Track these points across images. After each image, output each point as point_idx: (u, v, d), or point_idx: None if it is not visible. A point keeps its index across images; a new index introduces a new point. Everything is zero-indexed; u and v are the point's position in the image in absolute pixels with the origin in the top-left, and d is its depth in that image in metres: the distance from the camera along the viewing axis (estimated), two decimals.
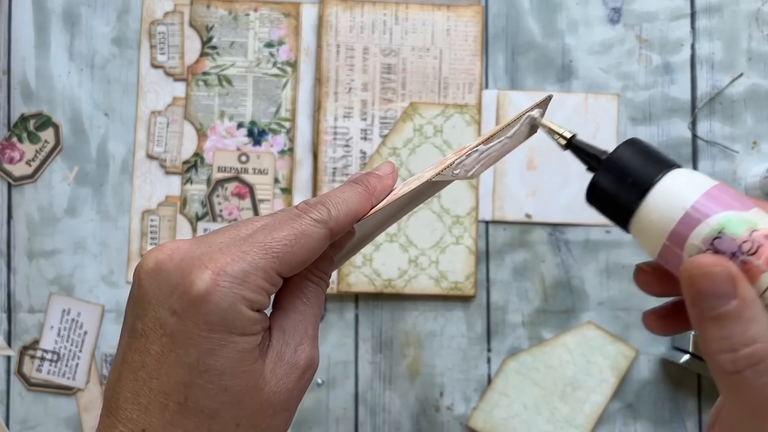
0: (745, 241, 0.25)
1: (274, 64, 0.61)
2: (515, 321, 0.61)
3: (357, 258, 0.59)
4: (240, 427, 0.27)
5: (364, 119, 0.60)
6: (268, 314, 0.30)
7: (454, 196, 0.60)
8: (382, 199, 0.33)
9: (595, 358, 0.60)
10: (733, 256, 0.25)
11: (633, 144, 0.28)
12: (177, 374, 0.26)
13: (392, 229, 0.60)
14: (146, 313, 0.27)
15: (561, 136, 0.30)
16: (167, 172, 0.61)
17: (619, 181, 0.28)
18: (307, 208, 0.29)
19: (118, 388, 0.27)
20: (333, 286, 0.59)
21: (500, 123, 0.34)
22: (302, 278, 0.31)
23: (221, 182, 0.61)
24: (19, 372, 0.60)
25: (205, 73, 0.61)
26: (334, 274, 0.59)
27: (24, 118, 0.61)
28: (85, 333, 0.60)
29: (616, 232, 0.61)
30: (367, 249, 0.59)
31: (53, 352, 0.60)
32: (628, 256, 0.61)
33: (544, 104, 0.32)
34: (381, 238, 0.59)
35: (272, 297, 0.29)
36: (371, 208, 0.32)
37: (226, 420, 0.27)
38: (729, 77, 0.62)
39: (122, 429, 0.27)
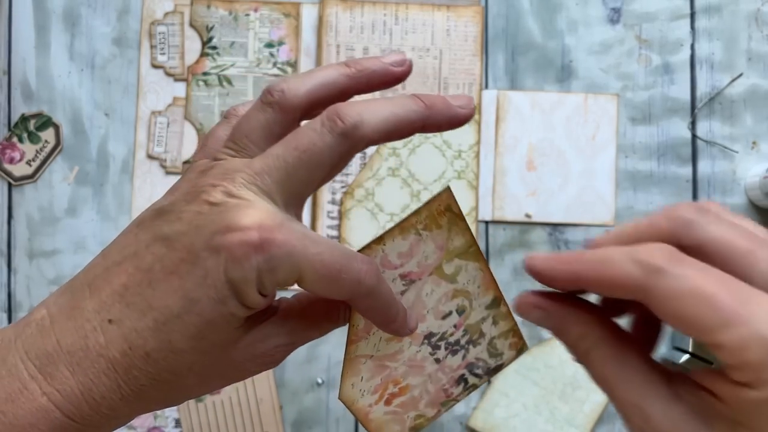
0: None
1: (275, 64, 0.61)
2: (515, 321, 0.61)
3: None
4: (192, 372, 0.27)
5: None
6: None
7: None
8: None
9: None
10: None
11: None
12: (171, 299, 0.26)
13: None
14: (180, 226, 0.26)
15: None
16: (167, 172, 0.61)
17: None
18: None
19: (111, 272, 0.27)
20: None
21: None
22: (335, 318, 0.32)
23: None
24: None
25: (205, 73, 0.61)
26: None
27: (24, 118, 0.61)
28: None
29: None
30: None
31: None
32: None
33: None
34: None
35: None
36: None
37: (185, 360, 0.27)
38: (728, 77, 0.62)
39: (92, 306, 0.27)
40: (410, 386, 0.44)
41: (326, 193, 0.60)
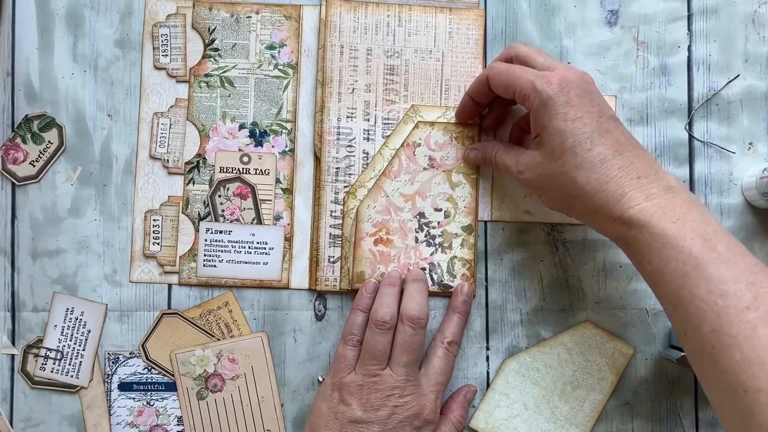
0: None
1: (276, 65, 0.62)
2: (514, 320, 0.61)
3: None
4: None
5: (367, 120, 0.61)
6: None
7: None
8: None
9: (594, 357, 0.61)
10: None
11: None
12: None
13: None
14: None
15: None
16: (170, 173, 0.61)
17: None
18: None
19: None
20: (336, 284, 0.60)
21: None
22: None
23: (223, 183, 0.61)
24: (23, 370, 0.60)
25: (207, 75, 0.61)
26: (337, 272, 0.60)
27: (28, 119, 0.61)
28: (89, 332, 0.60)
29: None
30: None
31: (57, 351, 0.60)
32: (624, 255, 0.62)
33: None
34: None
35: None
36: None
37: None
38: (725, 79, 0.63)
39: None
40: (393, 243, 0.58)
41: (329, 192, 0.60)
